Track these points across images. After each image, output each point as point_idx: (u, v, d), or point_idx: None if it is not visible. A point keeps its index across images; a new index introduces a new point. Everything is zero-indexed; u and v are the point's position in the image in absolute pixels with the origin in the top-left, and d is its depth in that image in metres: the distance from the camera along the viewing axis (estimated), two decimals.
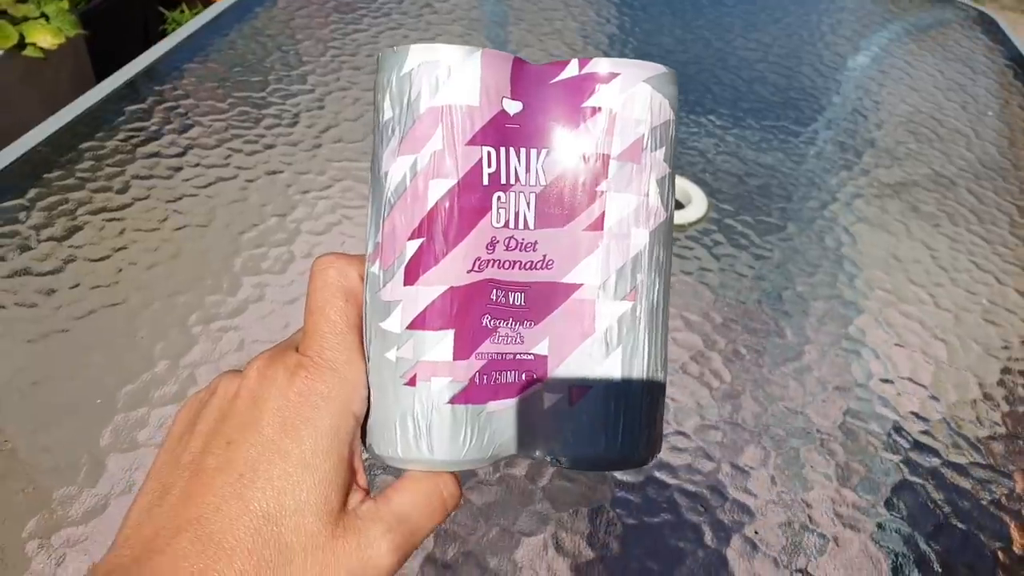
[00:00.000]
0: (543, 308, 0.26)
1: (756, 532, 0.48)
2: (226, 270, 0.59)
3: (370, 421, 0.26)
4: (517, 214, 0.25)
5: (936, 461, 0.53)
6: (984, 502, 0.51)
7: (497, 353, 0.26)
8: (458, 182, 0.24)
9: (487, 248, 0.25)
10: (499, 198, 0.25)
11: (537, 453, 0.27)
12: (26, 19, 1.36)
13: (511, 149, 0.25)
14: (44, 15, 1.39)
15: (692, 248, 0.68)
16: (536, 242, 0.25)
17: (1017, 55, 1.10)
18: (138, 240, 0.60)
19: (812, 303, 0.64)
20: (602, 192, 0.26)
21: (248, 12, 0.90)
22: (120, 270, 0.58)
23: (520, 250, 0.25)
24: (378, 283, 0.25)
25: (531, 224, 0.25)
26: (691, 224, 0.70)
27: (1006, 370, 0.61)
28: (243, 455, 0.23)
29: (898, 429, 0.55)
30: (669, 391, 0.55)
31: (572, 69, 0.26)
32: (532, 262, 0.26)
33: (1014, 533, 0.50)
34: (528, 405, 0.26)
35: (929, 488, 0.52)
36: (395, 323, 0.25)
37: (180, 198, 0.65)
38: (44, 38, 1.36)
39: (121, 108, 0.73)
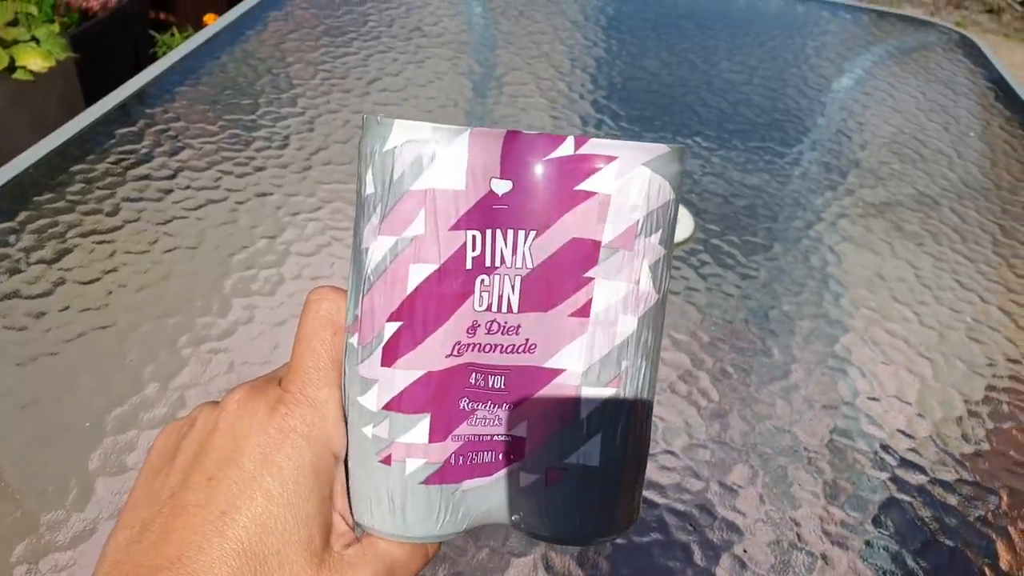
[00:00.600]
0: (523, 391, 0.25)
1: (745, 551, 0.48)
2: (216, 292, 0.59)
3: (349, 486, 0.26)
4: (501, 297, 0.25)
5: (923, 478, 0.54)
6: (971, 519, 0.52)
7: (474, 435, 0.25)
8: (439, 268, 0.24)
9: (468, 332, 0.24)
10: (483, 281, 0.24)
11: (514, 518, 0.27)
12: (16, 42, 1.37)
13: (498, 231, 0.24)
14: (35, 38, 1.40)
15: (679, 268, 0.68)
16: (519, 326, 0.25)
17: (998, 77, 1.12)
18: (128, 262, 0.60)
19: (798, 322, 0.65)
20: (590, 279, 0.25)
21: (239, 36, 0.91)
22: (110, 292, 0.58)
23: (502, 334, 0.25)
24: (356, 357, 0.25)
25: (515, 307, 0.25)
26: (678, 245, 0.71)
27: (991, 387, 0.62)
28: (224, 492, 0.23)
29: (885, 447, 0.56)
30: (657, 410, 0.55)
31: (567, 147, 0.24)
32: (514, 346, 0.25)
33: (1000, 549, 0.50)
34: (504, 484, 0.26)
35: (916, 505, 0.52)
36: (372, 401, 0.25)
37: (170, 220, 0.65)
38: (34, 61, 1.36)
39: (112, 131, 0.73)
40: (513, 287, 0.24)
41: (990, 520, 0.52)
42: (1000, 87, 1.10)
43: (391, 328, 0.24)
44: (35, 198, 0.65)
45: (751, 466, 0.53)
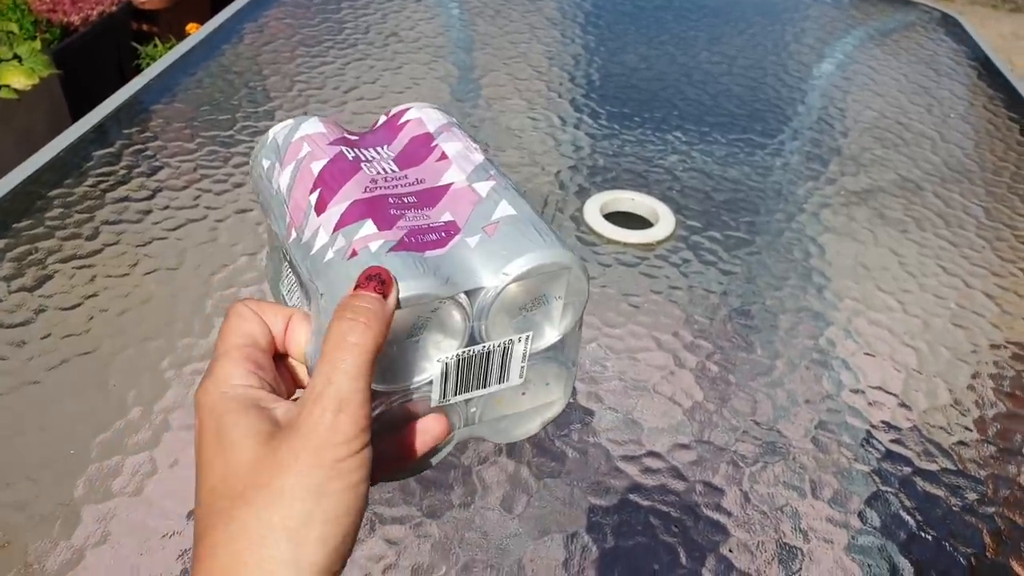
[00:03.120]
0: (433, 200, 0.32)
1: (731, 550, 0.48)
2: (198, 312, 0.59)
3: (329, 292, 0.29)
4: (383, 168, 0.33)
5: (908, 470, 0.54)
6: (956, 508, 0.52)
7: (414, 226, 0.31)
8: (331, 159, 0.33)
9: (370, 184, 0.32)
10: (365, 165, 0.33)
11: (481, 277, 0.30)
12: None
13: (361, 148, 0.34)
14: (17, 56, 1.39)
15: (660, 267, 0.68)
16: (405, 175, 0.33)
17: (981, 55, 1.12)
18: (109, 286, 0.61)
19: (781, 316, 0.65)
20: (437, 144, 0.34)
21: (215, 50, 0.91)
22: (91, 318, 0.58)
23: (395, 180, 0.33)
24: (299, 239, 0.31)
25: (396, 170, 0.33)
26: (659, 243, 0.71)
27: (975, 374, 0.62)
28: (197, 453, 0.26)
29: (869, 439, 0.56)
30: (640, 412, 0.55)
31: (382, 119, 0.37)
32: (408, 182, 0.33)
33: (986, 538, 0.51)
34: (457, 248, 0.30)
35: (901, 497, 0.52)
36: (323, 239, 0.30)
37: (150, 242, 0.65)
38: (17, 79, 1.36)
39: (89, 153, 0.73)
40: (388, 162, 0.34)
41: (975, 509, 0.52)
42: (983, 65, 1.09)
43: (314, 197, 0.31)
44: (14, 225, 0.65)
45: (735, 464, 0.53)
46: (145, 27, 1.96)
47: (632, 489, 0.51)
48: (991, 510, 0.52)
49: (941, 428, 0.57)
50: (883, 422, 0.57)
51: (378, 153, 0.34)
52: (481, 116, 0.85)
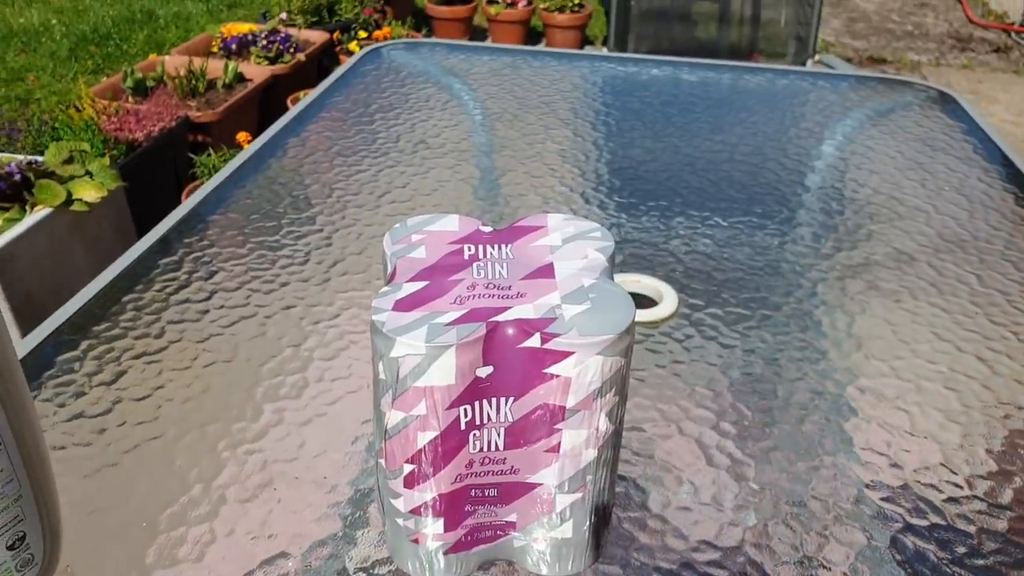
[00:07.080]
0: (511, 496, 0.36)
1: None
2: (249, 399, 0.67)
3: (393, 546, 0.38)
4: (490, 442, 0.34)
5: (898, 525, 0.58)
6: (946, 562, 0.56)
7: (477, 524, 0.37)
8: (440, 433, 0.33)
9: (466, 467, 0.34)
10: (475, 435, 0.33)
11: (511, 561, 0.38)
12: (72, 178, 1.52)
13: (484, 401, 0.33)
14: (88, 173, 1.55)
15: (664, 343, 0.75)
16: (505, 459, 0.35)
17: (976, 129, 1.18)
18: (174, 379, 0.69)
19: (777, 386, 0.70)
20: (559, 430, 0.33)
21: (262, 163, 1.02)
22: (159, 407, 0.66)
23: (492, 464, 0.35)
24: (386, 474, 0.36)
25: (501, 447, 0.34)
26: (663, 320, 0.77)
27: (966, 435, 0.66)
28: None
29: (860, 499, 0.60)
30: (642, 480, 0.61)
31: (535, 341, 0.32)
32: (502, 471, 0.35)
33: None
34: (502, 545, 0.37)
35: (892, 552, 0.56)
36: (401, 505, 0.36)
37: (208, 338, 0.74)
38: (89, 193, 1.51)
39: (155, 262, 0.83)
40: (499, 434, 0.34)
41: (965, 562, 0.56)
42: (979, 139, 1.15)
43: (407, 467, 0.34)
44: (93, 328, 0.75)
45: (732, 526, 0.58)
46: (200, 137, 2.14)
47: (636, 549, 0.56)
48: (980, 563, 0.56)
49: (931, 486, 0.61)
50: (874, 481, 0.61)
51: (497, 414, 0.33)
52: (500, 212, 0.94)
